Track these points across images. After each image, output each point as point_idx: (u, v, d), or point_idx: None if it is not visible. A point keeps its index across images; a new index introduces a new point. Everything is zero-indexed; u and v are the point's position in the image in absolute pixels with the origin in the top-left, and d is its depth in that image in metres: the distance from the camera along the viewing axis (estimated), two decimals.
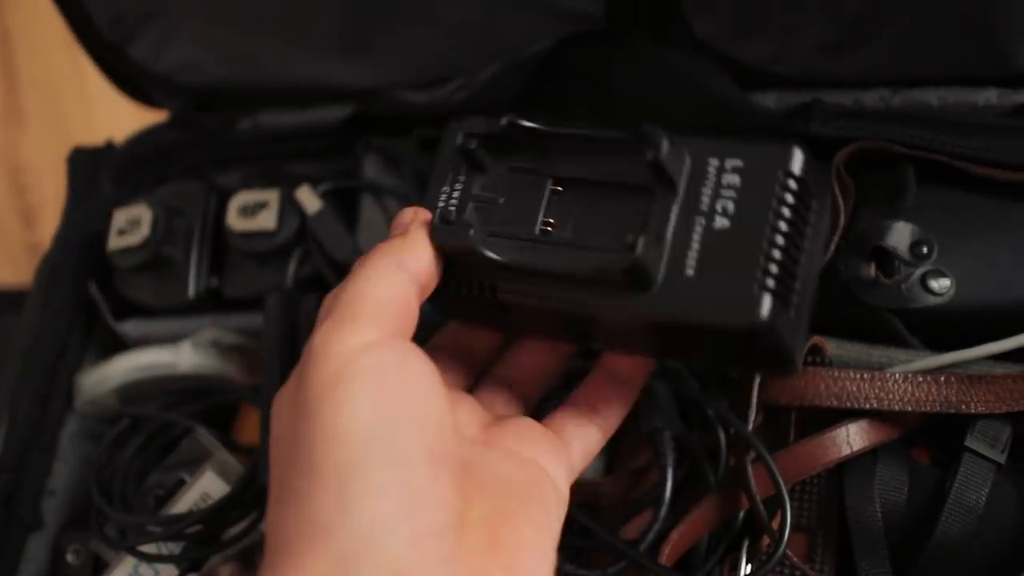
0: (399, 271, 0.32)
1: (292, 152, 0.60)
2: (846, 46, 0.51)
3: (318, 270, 0.54)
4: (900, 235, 0.47)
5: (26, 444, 0.54)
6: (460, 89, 0.56)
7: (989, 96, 0.50)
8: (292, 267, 0.54)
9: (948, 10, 0.48)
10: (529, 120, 0.35)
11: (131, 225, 0.56)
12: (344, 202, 0.57)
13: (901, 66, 0.51)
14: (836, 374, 0.44)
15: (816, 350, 0.46)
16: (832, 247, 0.48)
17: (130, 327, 0.57)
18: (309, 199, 0.54)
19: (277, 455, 0.29)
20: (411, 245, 0.33)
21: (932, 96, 0.51)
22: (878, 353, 0.46)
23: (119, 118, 0.71)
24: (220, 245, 0.58)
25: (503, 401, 0.38)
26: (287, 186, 0.55)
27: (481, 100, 0.56)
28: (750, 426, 0.44)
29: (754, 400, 0.44)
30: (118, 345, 0.58)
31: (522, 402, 0.39)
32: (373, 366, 0.29)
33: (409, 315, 0.32)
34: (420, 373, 0.30)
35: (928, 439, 0.45)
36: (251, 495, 0.50)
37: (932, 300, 0.45)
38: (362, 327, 0.30)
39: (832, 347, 0.46)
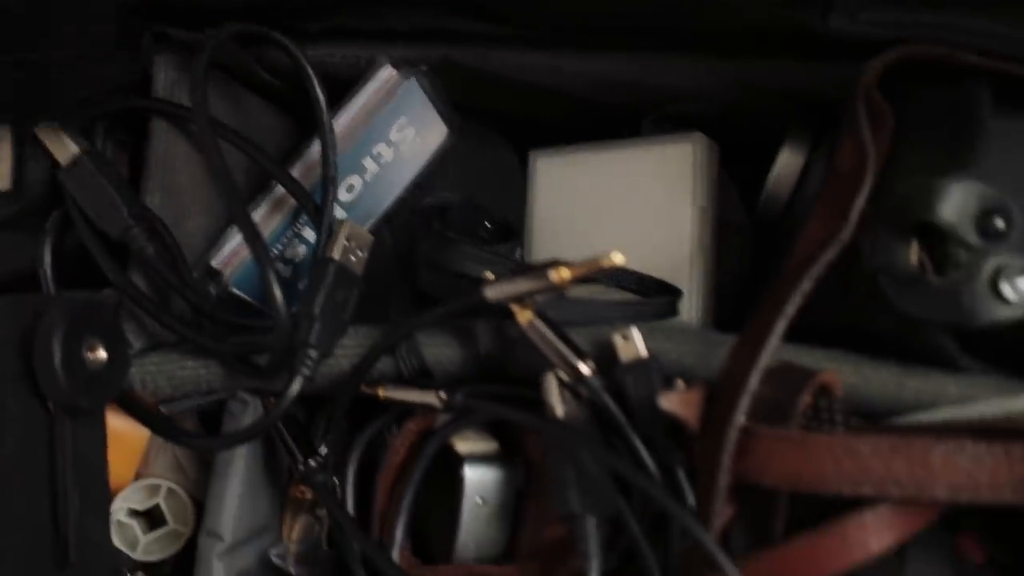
0: None
1: (39, 48, 0.40)
2: None
3: (80, 245, 0.36)
4: (963, 201, 0.30)
5: None
6: None
7: None
8: (48, 242, 0.36)
9: None
10: None
11: None
12: (123, 132, 0.39)
13: None
14: (852, 445, 0.28)
15: (824, 391, 0.30)
16: (852, 217, 0.31)
17: None
18: (60, 142, 0.36)
19: None
20: None
21: None
22: (914, 385, 0.30)
23: None
24: None
25: None
26: (25, 120, 0.36)
27: None
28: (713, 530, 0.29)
29: (721, 487, 0.28)
30: None
31: None
32: None
33: None
34: None
35: (978, 519, 0.30)
36: None
37: (1005, 312, 0.29)
38: None
39: (848, 373, 0.31)
